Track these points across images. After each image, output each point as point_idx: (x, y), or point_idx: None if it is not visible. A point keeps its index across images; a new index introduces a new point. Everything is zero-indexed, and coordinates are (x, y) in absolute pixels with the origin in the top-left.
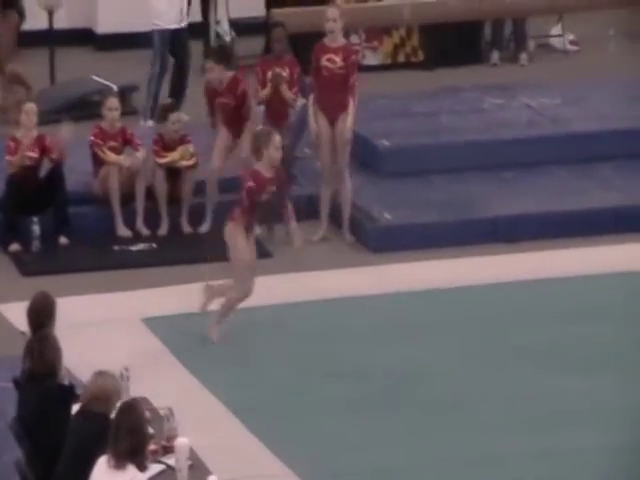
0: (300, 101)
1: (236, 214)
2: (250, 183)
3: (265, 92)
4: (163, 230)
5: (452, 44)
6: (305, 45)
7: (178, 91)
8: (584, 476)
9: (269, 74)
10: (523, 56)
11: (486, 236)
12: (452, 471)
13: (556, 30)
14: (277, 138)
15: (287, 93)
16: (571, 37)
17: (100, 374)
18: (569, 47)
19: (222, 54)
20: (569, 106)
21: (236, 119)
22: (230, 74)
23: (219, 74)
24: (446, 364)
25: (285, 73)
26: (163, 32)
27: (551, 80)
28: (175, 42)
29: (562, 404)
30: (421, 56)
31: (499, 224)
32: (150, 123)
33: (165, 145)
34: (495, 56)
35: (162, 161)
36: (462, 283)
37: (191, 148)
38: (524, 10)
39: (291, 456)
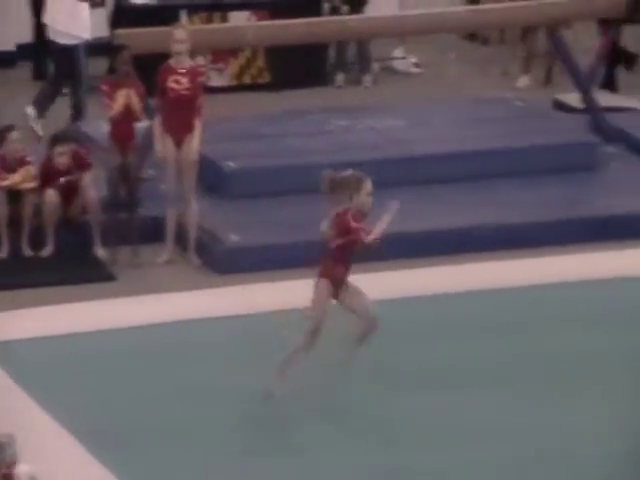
0: (145, 122)
1: (323, 267)
2: (353, 224)
3: (119, 103)
4: (3, 253)
5: (298, 66)
6: (148, 66)
7: (47, 106)
8: None
9: (117, 93)
10: (367, 78)
11: None
12: None
13: (399, 52)
14: (369, 184)
15: (136, 103)
16: (414, 60)
17: None
18: (412, 69)
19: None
20: (412, 128)
21: (72, 190)
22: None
23: (68, 157)
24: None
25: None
26: (86, 43)
27: (395, 102)
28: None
29: (423, 422)
30: (267, 77)
31: None
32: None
33: (6, 167)
34: (340, 78)
35: (3, 183)
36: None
37: (32, 170)
38: (367, 32)
39: None
